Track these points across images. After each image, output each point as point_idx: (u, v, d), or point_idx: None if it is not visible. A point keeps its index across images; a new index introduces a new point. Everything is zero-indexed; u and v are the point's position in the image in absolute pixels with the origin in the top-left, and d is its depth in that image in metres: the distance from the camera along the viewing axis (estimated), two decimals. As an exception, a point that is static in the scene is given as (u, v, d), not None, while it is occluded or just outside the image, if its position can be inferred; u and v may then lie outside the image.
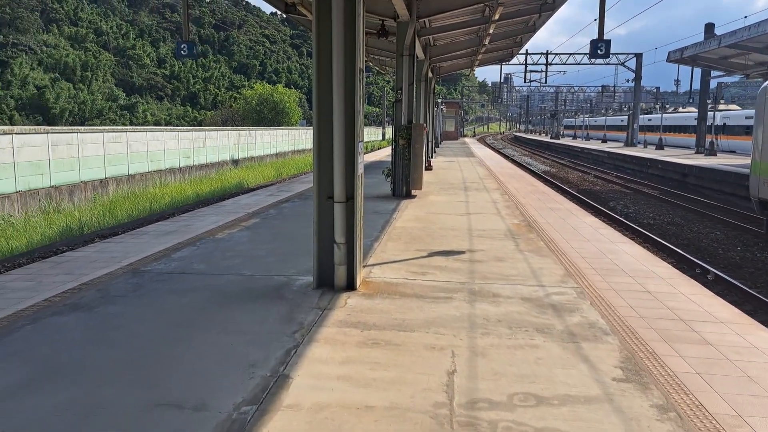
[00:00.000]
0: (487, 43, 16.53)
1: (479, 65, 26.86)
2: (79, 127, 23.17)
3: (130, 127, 33.39)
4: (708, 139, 30.54)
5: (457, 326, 5.00)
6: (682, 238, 14.54)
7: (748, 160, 27.39)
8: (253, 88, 63.34)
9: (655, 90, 62.23)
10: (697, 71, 33.38)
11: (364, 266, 7.01)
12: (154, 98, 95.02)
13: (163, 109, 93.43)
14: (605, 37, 12.54)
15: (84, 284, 6.16)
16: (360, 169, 6.16)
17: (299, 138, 49.93)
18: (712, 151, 29.42)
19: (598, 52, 11.15)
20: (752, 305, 9.25)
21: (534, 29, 19.21)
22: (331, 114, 5.94)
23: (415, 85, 14.46)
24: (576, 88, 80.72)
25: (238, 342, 4.57)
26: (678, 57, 25.63)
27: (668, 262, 12.16)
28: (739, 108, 34.56)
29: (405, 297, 5.83)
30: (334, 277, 6.08)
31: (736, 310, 5.64)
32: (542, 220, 10.76)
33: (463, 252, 7.93)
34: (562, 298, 5.87)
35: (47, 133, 20.84)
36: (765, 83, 14.04)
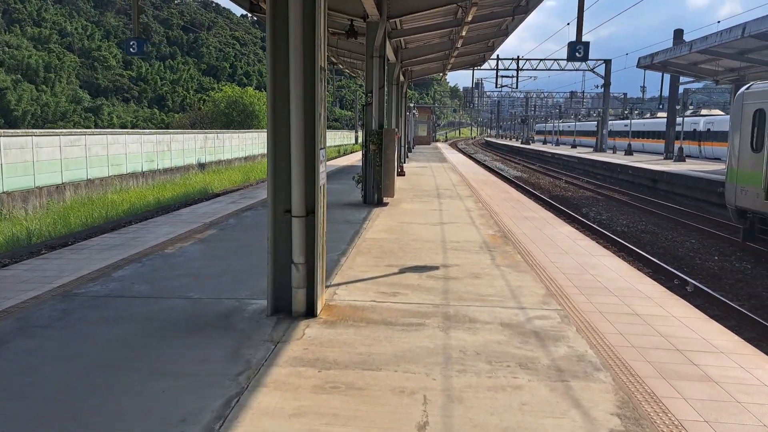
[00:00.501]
0: (459, 45, 16.00)
1: (451, 69, 26.41)
2: (34, 130, 22.00)
3: (89, 130, 32.09)
4: (677, 144, 30.59)
5: (430, 362, 4.35)
6: (657, 247, 14.18)
7: (716, 166, 27.54)
8: (221, 90, 62.05)
9: (622, 96, 62.83)
10: (667, 77, 33.54)
11: (328, 286, 6.32)
12: (120, 100, 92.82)
13: (129, 112, 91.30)
14: (582, 40, 12.10)
15: (3, 311, 5.34)
16: (322, 179, 5.48)
17: (269, 142, 48.91)
18: (681, 157, 29.45)
19: (576, 54, 10.68)
20: (736, 320, 8.83)
21: (506, 33, 18.78)
22: (288, 118, 5.25)
23: (386, 89, 13.84)
24: (545, 94, 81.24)
25: (172, 388, 3.84)
26: (648, 63, 25.54)
27: (646, 272, 11.75)
28: (722, 113, 34.55)
29: (372, 324, 5.16)
30: (291, 302, 5.37)
31: (736, 337, 5.10)
32: (518, 230, 10.20)
33: (437, 267, 7.29)
34: (545, 324, 5.27)
35: (-1, 136, 19.69)
36: (742, 89, 13.77)
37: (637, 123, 41.63)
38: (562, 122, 64.08)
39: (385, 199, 13.29)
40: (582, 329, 5.14)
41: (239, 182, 28.13)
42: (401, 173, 20.26)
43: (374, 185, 12.95)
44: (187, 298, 5.84)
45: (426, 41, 18.97)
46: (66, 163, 23.51)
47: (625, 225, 17.09)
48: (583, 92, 66.24)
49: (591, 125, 49.89)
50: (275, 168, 5.37)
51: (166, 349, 4.49)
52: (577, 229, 11.70)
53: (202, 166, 36.07)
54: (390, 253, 8.07)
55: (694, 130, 32.65)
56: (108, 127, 72.26)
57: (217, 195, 22.00)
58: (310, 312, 5.37)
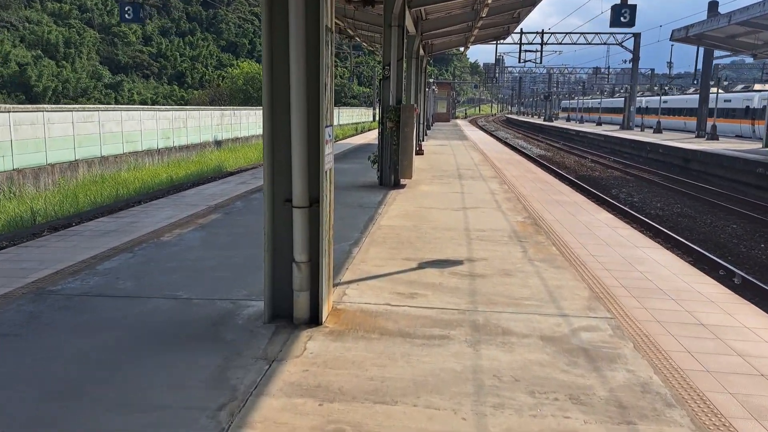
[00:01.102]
0: (484, 15, 14.86)
1: (474, 43, 25.15)
2: (45, 106, 21.35)
3: (102, 106, 31.54)
4: (709, 122, 29.08)
5: (457, 391, 3.49)
6: (697, 233, 13.11)
7: (751, 145, 25.99)
8: (239, 67, 61.15)
9: (649, 72, 60.66)
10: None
11: (337, 285, 5.48)
12: (140, 77, 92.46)
13: (149, 88, 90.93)
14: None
15: (-40, 315, 4.59)
16: (328, 163, 4.60)
17: (287, 118, 48.07)
18: (714, 136, 27.99)
19: (622, 19, 9.56)
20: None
21: (534, 2, 17.53)
22: (287, 89, 4.37)
23: (405, 62, 12.84)
24: (568, 70, 78.90)
25: (135, 428, 3.03)
26: (683, 36, 24.03)
27: (687, 261, 10.75)
28: None
29: (386, 336, 4.31)
30: (293, 307, 4.54)
31: (831, 358, 4.17)
32: (549, 216, 9.24)
33: (461, 262, 6.40)
34: (594, 337, 4.37)
35: (8, 112, 19.07)
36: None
37: (673, 99, 39.65)
38: (590, 98, 61.79)
39: (403, 181, 12.37)
40: (640, 345, 4.24)
41: (254, 160, 27.35)
42: (420, 152, 19.28)
43: (391, 166, 12.03)
44: (175, 298, 5.04)
45: (448, 11, 17.81)
46: (79, 139, 22.91)
47: (660, 208, 15.97)
48: (608, 68, 64.09)
49: (618, 102, 47.98)
50: (273, 149, 4.50)
51: (139, 369, 3.69)
52: (614, 215, 10.68)
53: (218, 143, 35.39)
54: (407, 244, 7.19)
55: (747, 107, 30.75)
56: (128, 104, 71.94)
57: (231, 174, 21.24)
58: (314, 319, 4.53)
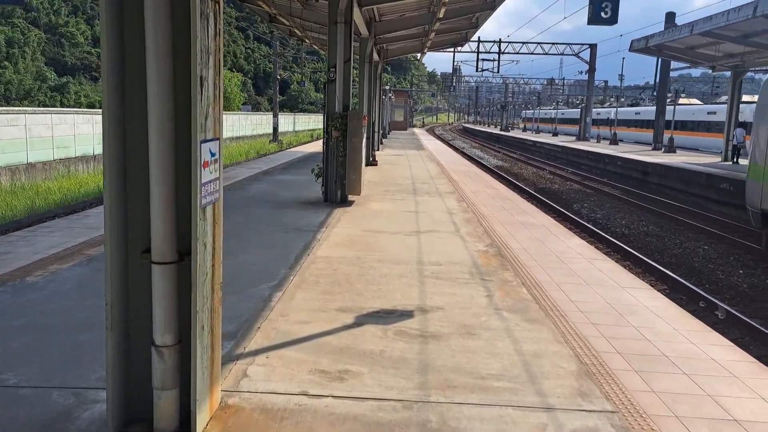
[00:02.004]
0: (441, 16, 13.56)
1: (431, 49, 23.94)
2: (-41, 107, 19.10)
3: (30, 108, 29.09)
4: (666, 135, 28.66)
5: None
6: (668, 255, 12.07)
7: (710, 159, 25.49)
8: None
9: (603, 84, 60.98)
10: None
11: (236, 360, 3.94)
12: (88, 79, 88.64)
13: (98, 91, 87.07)
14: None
15: None
16: (211, 195, 3.09)
17: (239, 124, 46.05)
18: (671, 148, 27.52)
19: (602, 15, 8.34)
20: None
21: (494, 6, 16.37)
22: (144, 88, 2.85)
23: (354, 64, 11.41)
24: (524, 80, 79.11)
25: None
26: (642, 46, 23.42)
27: (660, 289, 9.62)
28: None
29: (291, 462, 2.81)
30: (153, 410, 3.00)
31: None
32: (515, 243, 7.91)
33: (410, 314, 4.96)
34: (597, 453, 2.97)
35: None
36: (771, 72, 11.61)
37: (628, 111, 39.20)
38: (552, 109, 61.38)
39: (351, 197, 10.90)
40: (665, 470, 2.86)
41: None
42: (373, 162, 17.86)
43: (337, 180, 10.54)
44: (1, 385, 3.43)
45: (402, 12, 16.48)
46: (2, 145, 20.70)
47: (625, 226, 14.95)
48: (563, 79, 64.27)
49: (574, 112, 47.61)
50: (122, 172, 2.96)
51: None
52: (587, 242, 9.46)
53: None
54: (346, 285, 5.71)
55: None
56: (75, 107, 68.32)
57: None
58: (185, 429, 2.99)
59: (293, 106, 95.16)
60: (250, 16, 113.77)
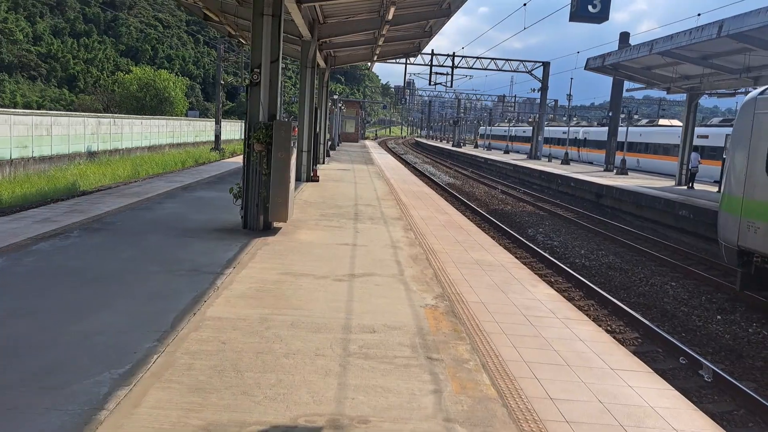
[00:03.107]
0: (390, 17, 11.92)
1: (382, 58, 22.36)
2: None
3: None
4: (619, 156, 27.93)
5: None
6: (635, 293, 10.71)
7: (662, 182, 24.71)
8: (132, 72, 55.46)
9: (553, 102, 61.06)
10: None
11: None
12: (25, 78, 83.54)
13: (35, 91, 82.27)
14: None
15: None
16: None
17: (180, 130, 43.35)
18: (623, 170, 26.76)
19: (590, 8, 6.83)
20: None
21: (449, 13, 14.90)
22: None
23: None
24: (475, 96, 78.82)
25: None
26: (599, 65, 22.53)
27: (630, 337, 8.18)
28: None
29: None
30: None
31: None
32: (472, 294, 6.23)
33: (316, 437, 3.18)
34: None
35: None
36: (751, 94, 10.45)
37: (597, 131, 38.10)
38: (511, 126, 60.35)
39: (276, 224, 9.05)
40: None
41: (124, 177, 22.98)
42: (314, 178, 16.03)
43: (259, 203, 8.67)
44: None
45: (349, 15, 14.79)
46: None
47: (584, 256, 13.60)
48: (515, 96, 64.09)
49: (529, 130, 46.72)
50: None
51: None
52: (556, 290, 7.90)
53: (92, 154, 30.47)
54: (231, 374, 3.87)
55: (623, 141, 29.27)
56: (11, 107, 63.72)
57: (86, 193, 16.93)
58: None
59: (243, 113, 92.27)
60: (200, 21, 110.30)
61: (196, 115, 66.44)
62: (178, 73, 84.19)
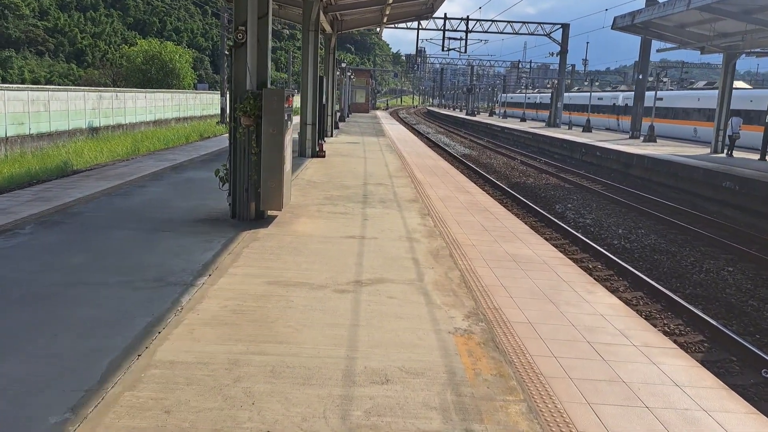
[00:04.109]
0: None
1: (393, 20, 20.52)
2: None
3: None
4: (646, 122, 26.00)
5: None
6: (690, 282, 9.17)
7: (699, 150, 22.58)
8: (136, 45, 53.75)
9: (570, 68, 58.42)
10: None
11: None
12: (33, 53, 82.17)
13: (43, 66, 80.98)
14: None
15: None
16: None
17: (186, 103, 41.79)
18: (651, 137, 24.87)
19: None
20: None
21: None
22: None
23: (312, 36, 8.03)
24: (488, 63, 76.04)
25: None
26: (628, 23, 20.55)
27: (695, 341, 6.71)
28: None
29: None
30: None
31: None
32: (514, 310, 4.76)
33: None
34: None
35: None
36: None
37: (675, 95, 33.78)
38: (539, 92, 56.90)
39: (271, 212, 7.59)
40: None
41: (122, 154, 21.60)
42: (320, 154, 14.50)
43: (249, 188, 7.20)
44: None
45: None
46: None
47: (623, 236, 12.04)
48: (530, 62, 61.48)
49: (570, 96, 43.13)
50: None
51: None
52: (619, 298, 6.42)
53: (94, 130, 29.14)
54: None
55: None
56: (20, 83, 62.45)
57: (76, 172, 15.54)
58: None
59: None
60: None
61: (205, 87, 64.71)
62: (187, 46, 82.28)
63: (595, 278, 7.04)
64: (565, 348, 4.03)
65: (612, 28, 21.79)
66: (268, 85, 7.26)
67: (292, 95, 7.29)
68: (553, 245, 7.65)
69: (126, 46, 56.61)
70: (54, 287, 4.71)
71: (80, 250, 5.76)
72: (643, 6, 24.39)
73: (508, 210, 10.14)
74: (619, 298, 6.36)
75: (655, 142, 24.84)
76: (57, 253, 5.62)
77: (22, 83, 60.53)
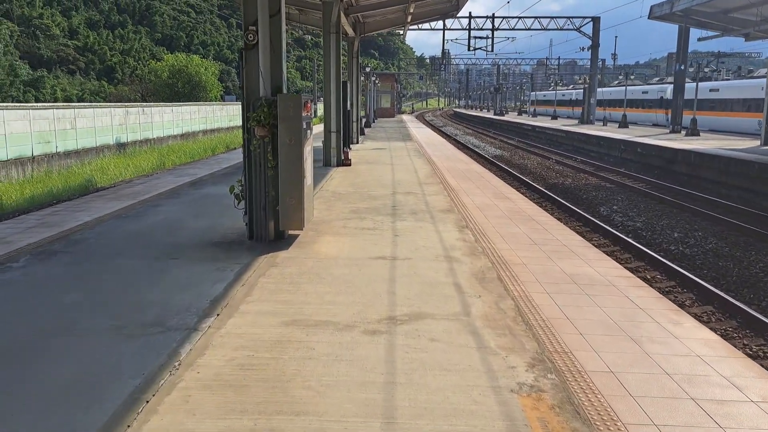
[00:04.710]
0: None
1: (417, 20, 19.63)
2: None
3: (-64, 104, 24.82)
4: (687, 116, 24.55)
5: None
6: (766, 292, 8.06)
7: (748, 143, 21.09)
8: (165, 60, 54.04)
9: (600, 63, 56.67)
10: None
11: None
12: (65, 72, 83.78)
13: (75, 84, 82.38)
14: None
15: None
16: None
17: (213, 116, 41.63)
18: (694, 131, 23.44)
19: None
20: None
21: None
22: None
23: (332, 39, 7.23)
24: (513, 62, 74.41)
25: None
26: (666, 11, 19.31)
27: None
28: None
29: None
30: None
31: None
32: (588, 353, 3.80)
33: None
34: None
35: None
36: None
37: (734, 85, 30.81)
38: (573, 88, 54.41)
39: (291, 231, 6.77)
40: None
41: (147, 170, 21.19)
42: (345, 162, 13.69)
43: (266, 206, 6.39)
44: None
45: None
46: None
47: (679, 241, 10.91)
48: (558, 58, 59.88)
49: (609, 91, 40.62)
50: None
51: None
52: (712, 331, 5.43)
53: (122, 146, 28.99)
54: None
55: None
56: (50, 102, 63.54)
57: (98, 190, 15.06)
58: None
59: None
60: (232, 4, 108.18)
61: (232, 99, 64.78)
62: (214, 59, 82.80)
63: (658, 289, 6.02)
64: (666, 410, 3.07)
65: (648, 18, 20.57)
66: (284, 90, 6.45)
67: (311, 100, 6.46)
68: (617, 261, 6.63)
69: (153, 62, 56.99)
70: (33, 337, 3.96)
71: (74, 287, 5.02)
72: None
73: (555, 218, 9.13)
74: (712, 329, 5.33)
75: (698, 135, 23.40)
76: (48, 291, 4.89)
77: (55, 102, 61.49)
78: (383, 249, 6.28)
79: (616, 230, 11.33)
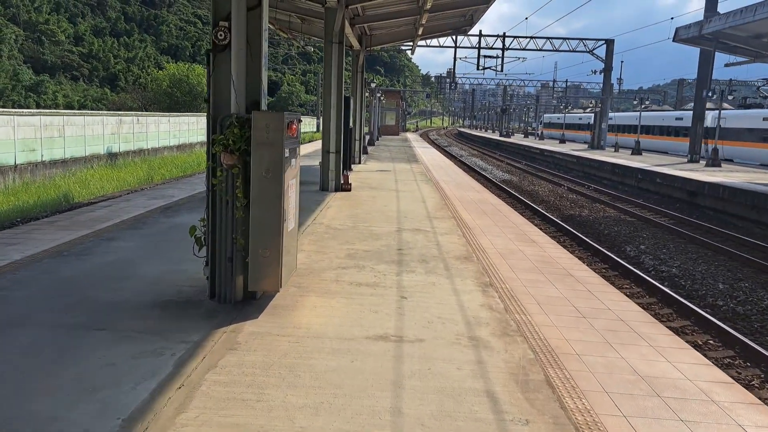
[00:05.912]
0: (428, 6, 7.82)
1: (427, 35, 18.20)
2: None
3: None
4: (708, 145, 23.07)
5: None
6: None
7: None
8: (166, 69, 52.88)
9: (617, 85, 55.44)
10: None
11: None
12: (68, 78, 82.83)
13: (78, 91, 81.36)
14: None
15: None
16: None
17: (212, 128, 40.13)
18: (716, 161, 21.93)
19: None
20: None
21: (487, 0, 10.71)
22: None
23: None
24: (522, 83, 73.39)
25: None
26: (694, 34, 17.92)
27: None
28: None
29: None
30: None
31: None
32: None
33: None
34: None
35: None
36: None
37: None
38: (584, 112, 52.58)
39: (268, 290, 5.17)
40: None
41: (133, 184, 19.64)
42: (345, 187, 12.13)
43: (231, 258, 4.80)
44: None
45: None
46: None
47: (727, 294, 9.30)
48: (566, 81, 58.67)
49: (628, 116, 38.84)
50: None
51: None
52: None
53: (113, 156, 27.51)
54: None
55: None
56: (51, 107, 62.24)
57: (76, 207, 13.46)
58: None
59: (283, 108, 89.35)
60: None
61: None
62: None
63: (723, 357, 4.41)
64: None
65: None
66: (263, 106, 4.90)
67: (298, 120, 4.91)
68: (700, 351, 5.02)
69: (156, 71, 55.87)
70: None
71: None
72: (701, 17, 21.63)
73: (598, 273, 7.53)
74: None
75: (720, 166, 21.89)
76: None
77: (56, 108, 60.11)
78: (385, 321, 4.68)
79: (650, 277, 9.76)
